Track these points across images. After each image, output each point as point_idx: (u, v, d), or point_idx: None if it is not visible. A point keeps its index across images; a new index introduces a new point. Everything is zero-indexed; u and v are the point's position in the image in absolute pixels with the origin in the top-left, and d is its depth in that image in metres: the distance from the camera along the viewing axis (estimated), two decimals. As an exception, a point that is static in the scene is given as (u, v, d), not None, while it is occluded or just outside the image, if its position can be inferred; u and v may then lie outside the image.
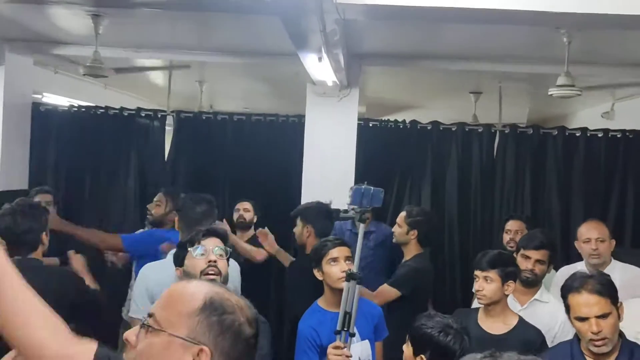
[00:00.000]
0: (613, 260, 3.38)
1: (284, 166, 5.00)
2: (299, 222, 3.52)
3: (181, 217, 3.04)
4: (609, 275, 2.34)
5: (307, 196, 4.55)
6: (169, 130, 5.35)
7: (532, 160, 4.92)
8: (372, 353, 2.59)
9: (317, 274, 2.61)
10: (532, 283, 3.05)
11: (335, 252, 2.59)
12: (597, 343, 2.14)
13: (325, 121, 4.65)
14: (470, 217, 4.90)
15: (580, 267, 3.26)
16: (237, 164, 5.11)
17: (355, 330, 2.44)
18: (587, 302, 2.17)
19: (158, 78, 6.10)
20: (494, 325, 2.63)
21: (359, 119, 4.83)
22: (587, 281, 2.21)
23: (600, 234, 3.35)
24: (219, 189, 5.09)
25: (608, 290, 2.20)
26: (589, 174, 4.86)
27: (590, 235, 3.35)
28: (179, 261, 2.26)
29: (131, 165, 5.20)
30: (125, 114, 5.27)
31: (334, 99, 4.62)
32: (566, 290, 2.27)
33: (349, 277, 2.41)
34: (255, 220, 4.31)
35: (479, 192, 4.91)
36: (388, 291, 3.56)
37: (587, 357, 2.21)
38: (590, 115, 5.98)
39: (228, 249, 2.24)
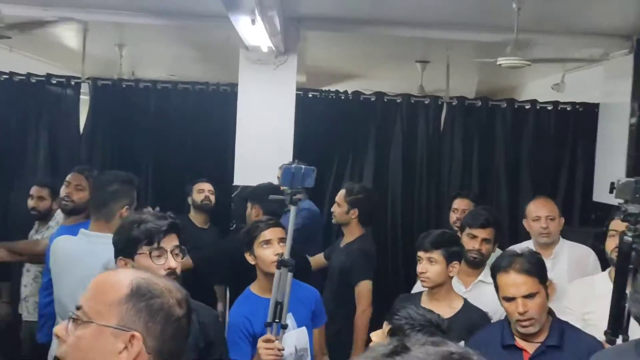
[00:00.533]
0: (562, 239, 3.52)
1: (215, 140, 4.93)
2: (248, 203, 3.52)
3: (91, 200, 2.92)
4: (538, 254, 2.44)
5: (241, 172, 4.52)
6: (84, 99, 5.17)
7: (481, 134, 5.04)
8: (310, 340, 2.61)
9: (249, 258, 2.60)
10: (478, 263, 3.13)
11: (268, 233, 2.58)
12: (523, 323, 2.24)
13: (260, 90, 4.60)
14: (415, 194, 4.99)
15: (528, 246, 3.38)
16: (162, 138, 5.01)
17: (290, 319, 2.45)
18: (515, 282, 2.26)
19: (71, 40, 5.85)
20: (439, 310, 2.68)
21: (297, 89, 4.80)
22: (515, 260, 2.31)
23: (550, 211, 3.47)
24: (142, 166, 4.98)
25: (536, 269, 2.30)
26: (538, 149, 5.03)
27: (540, 213, 3.46)
28: (126, 252, 2.02)
29: (40, 139, 5.01)
30: (34, 81, 5.06)
31: (270, 67, 4.57)
32: (495, 270, 2.37)
33: (281, 264, 2.40)
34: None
35: (424, 167, 5.00)
36: (369, 288, 3.60)
37: (516, 338, 2.31)
38: (540, 87, 6.17)
39: (184, 247, 2.09)
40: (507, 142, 5.02)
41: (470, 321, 2.60)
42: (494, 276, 2.39)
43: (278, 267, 2.41)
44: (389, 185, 5.00)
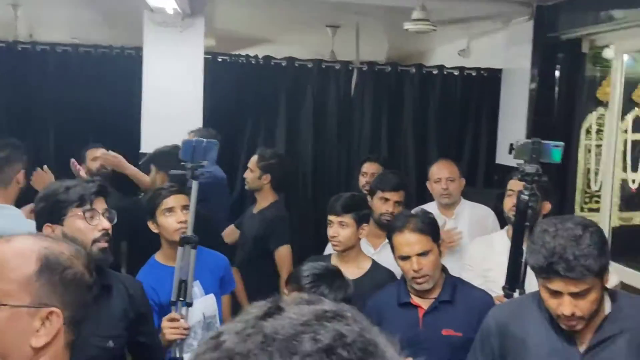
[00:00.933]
0: (463, 200, 3.64)
1: (120, 105, 4.73)
2: (152, 168, 3.41)
3: None
4: (431, 214, 2.52)
5: (148, 138, 4.38)
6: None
7: (390, 99, 5.10)
8: (218, 307, 2.59)
9: (152, 226, 2.53)
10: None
11: (171, 200, 2.51)
12: (418, 280, 2.33)
13: (166, 54, 4.45)
14: (326, 159, 5.01)
15: (432, 207, 3.47)
16: (63, 104, 4.75)
17: (198, 286, 2.41)
18: (409, 240, 2.33)
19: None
20: (348, 271, 2.71)
21: (206, 53, 4.67)
22: (409, 220, 2.38)
23: (451, 173, 3.57)
24: (42, 133, 4.72)
25: (429, 228, 2.38)
26: (444, 113, 5.14)
27: (441, 174, 3.56)
28: (53, 217, 1.93)
29: None
30: None
31: (176, 29, 4.41)
32: (390, 230, 2.43)
33: (184, 241, 2.35)
34: None
35: (335, 132, 5.02)
36: (289, 252, 3.57)
37: (412, 295, 2.39)
38: (447, 52, 6.28)
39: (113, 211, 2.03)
40: (415, 106, 5.11)
41: (378, 281, 2.65)
42: (389, 237, 2.45)
43: (181, 244, 2.35)
44: (301, 150, 4.99)
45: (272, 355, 0.62)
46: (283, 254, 3.56)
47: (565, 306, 1.72)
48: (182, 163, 2.40)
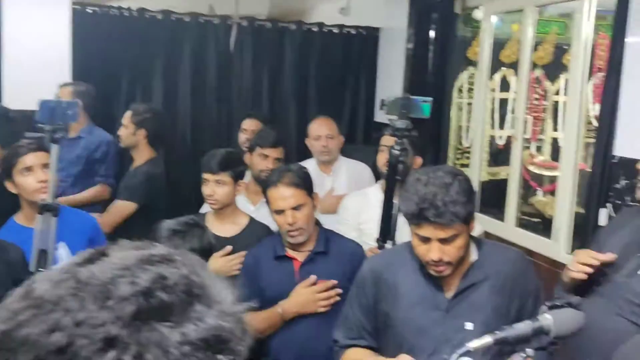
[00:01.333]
0: (341, 157, 3.70)
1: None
2: None
3: None
4: (305, 168, 2.53)
5: (11, 95, 4.06)
6: None
7: (271, 56, 5.03)
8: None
9: (10, 187, 2.35)
10: (269, 182, 3.18)
11: (29, 159, 2.34)
12: (292, 233, 2.35)
13: (27, 5, 4.10)
14: (206, 116, 4.88)
15: (311, 164, 3.49)
16: None
17: (64, 248, 2.28)
18: (283, 195, 2.34)
19: None
20: (224, 228, 2.69)
21: (74, 3, 4.36)
22: (284, 174, 2.38)
23: (329, 130, 3.61)
24: None
25: (304, 182, 2.40)
26: (324, 71, 5.15)
27: (320, 132, 3.59)
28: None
29: None
30: None
31: (38, -26, 4.08)
32: (265, 185, 2.43)
33: (44, 208, 2.20)
34: None
35: (214, 89, 4.89)
36: (123, 206, 3.43)
37: (287, 249, 2.42)
38: (328, 10, 6.27)
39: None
40: (295, 64, 5.07)
41: (256, 237, 2.63)
42: (264, 191, 2.44)
43: (41, 212, 2.20)
44: (179, 107, 4.83)
45: (83, 300, 0.58)
46: (116, 207, 3.45)
47: (433, 252, 1.77)
48: (40, 125, 2.22)
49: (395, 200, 2.49)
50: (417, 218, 1.75)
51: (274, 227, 2.77)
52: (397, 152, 2.45)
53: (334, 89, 5.20)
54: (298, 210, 2.34)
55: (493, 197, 4.40)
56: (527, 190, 4.29)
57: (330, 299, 2.32)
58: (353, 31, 5.25)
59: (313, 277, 2.33)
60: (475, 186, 4.41)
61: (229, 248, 2.55)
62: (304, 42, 5.10)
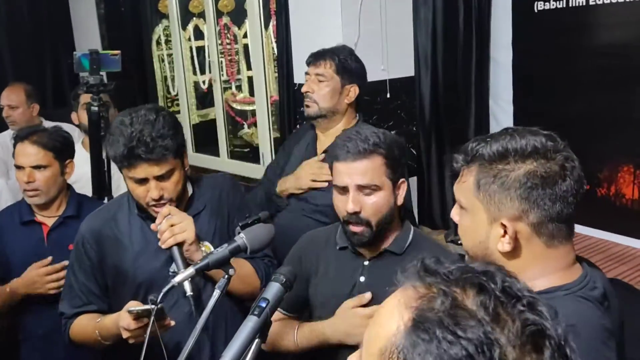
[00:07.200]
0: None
1: None
2: None
3: None
4: (67, 133, 2.30)
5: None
6: None
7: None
8: None
9: None
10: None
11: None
12: (29, 194, 2.19)
13: None
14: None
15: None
16: None
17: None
18: (25, 151, 2.16)
19: None
20: None
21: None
22: (35, 134, 2.19)
23: (10, 100, 3.36)
24: None
25: (54, 144, 2.19)
26: (17, 38, 4.63)
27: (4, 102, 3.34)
28: None
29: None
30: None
31: None
32: (15, 141, 2.22)
33: None
34: None
35: None
36: None
37: (36, 214, 2.24)
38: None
39: None
40: None
41: None
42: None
43: None
44: None
45: None
46: None
47: (152, 190, 1.67)
48: None
49: (104, 156, 2.41)
50: (128, 159, 1.63)
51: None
52: (96, 109, 2.35)
53: (30, 53, 4.72)
54: (38, 170, 2.16)
55: (207, 137, 4.50)
56: (234, 126, 4.45)
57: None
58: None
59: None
60: (188, 130, 4.46)
61: None
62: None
